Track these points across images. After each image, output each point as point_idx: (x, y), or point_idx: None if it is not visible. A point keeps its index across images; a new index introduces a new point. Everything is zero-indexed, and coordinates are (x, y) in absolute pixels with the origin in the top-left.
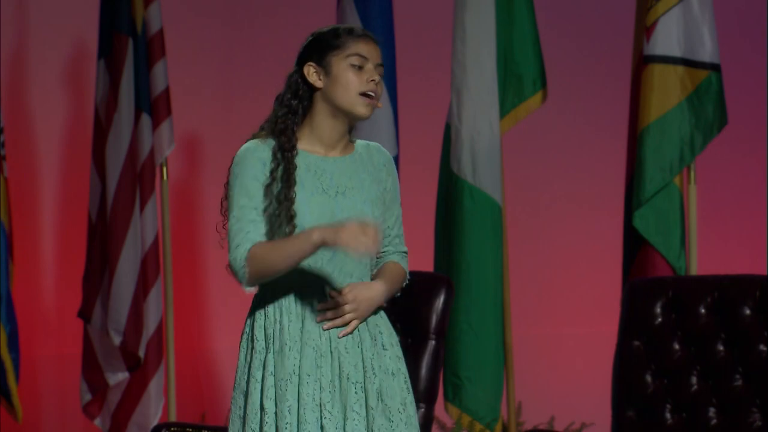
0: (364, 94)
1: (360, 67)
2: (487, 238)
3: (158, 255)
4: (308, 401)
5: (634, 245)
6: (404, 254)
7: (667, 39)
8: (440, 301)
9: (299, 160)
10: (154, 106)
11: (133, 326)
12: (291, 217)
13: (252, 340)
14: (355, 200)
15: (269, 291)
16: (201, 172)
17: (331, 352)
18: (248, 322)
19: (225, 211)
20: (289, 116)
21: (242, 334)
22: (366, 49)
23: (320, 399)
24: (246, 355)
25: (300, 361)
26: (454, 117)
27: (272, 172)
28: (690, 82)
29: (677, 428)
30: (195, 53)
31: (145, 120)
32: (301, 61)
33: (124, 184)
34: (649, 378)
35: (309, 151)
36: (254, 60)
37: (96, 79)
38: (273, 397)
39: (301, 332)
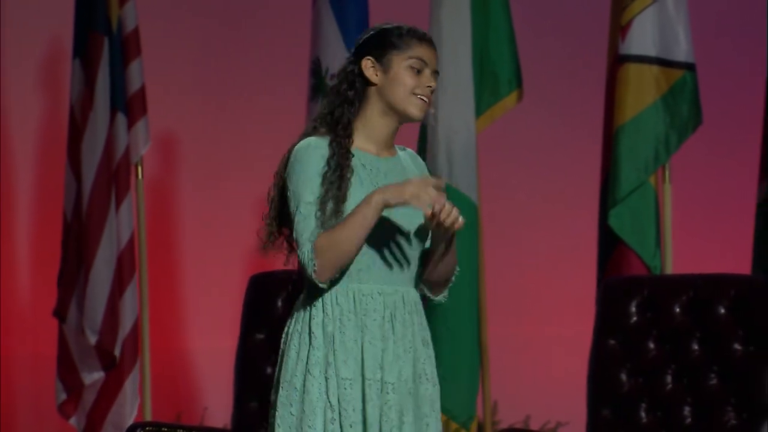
0: (418, 96)
1: (419, 71)
2: (463, 238)
3: (134, 254)
4: (372, 403)
5: (610, 244)
6: None
7: (642, 38)
8: None
9: (355, 158)
10: (129, 105)
11: (108, 325)
12: (339, 213)
13: (309, 337)
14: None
15: (325, 288)
16: (176, 171)
17: (393, 353)
18: (300, 318)
19: (272, 204)
20: (345, 106)
21: (290, 332)
22: (427, 54)
23: (381, 402)
24: (298, 351)
25: (363, 362)
26: (430, 116)
27: (328, 164)
28: (665, 81)
29: (652, 427)
30: (170, 52)
31: (121, 119)
32: (359, 54)
33: (100, 183)
34: (624, 377)
35: (363, 149)
36: (230, 59)
37: (71, 78)
38: (336, 395)
39: (362, 332)
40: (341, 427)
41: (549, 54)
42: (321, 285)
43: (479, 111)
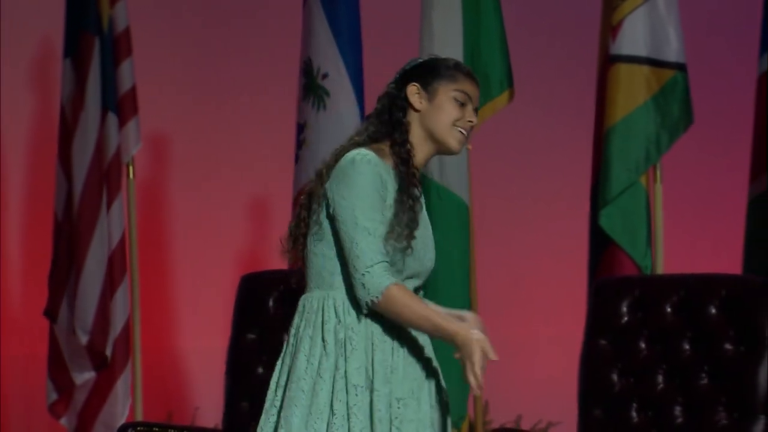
0: (459, 129)
1: (462, 104)
2: (454, 237)
3: (125, 254)
4: (379, 414)
5: (600, 244)
6: None
7: (632, 38)
8: None
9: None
10: (120, 105)
11: (99, 325)
12: (410, 242)
13: (322, 342)
14: (429, 229)
15: (338, 294)
16: (168, 171)
17: (403, 366)
18: (311, 322)
19: (305, 209)
20: (400, 128)
21: (299, 335)
22: (472, 90)
23: (390, 414)
24: (308, 356)
25: (373, 373)
26: None
27: (401, 188)
28: (655, 81)
29: (643, 427)
30: (161, 52)
31: (112, 119)
32: (405, 79)
33: (91, 183)
34: (615, 377)
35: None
36: (221, 59)
37: (62, 78)
38: (344, 400)
39: (372, 343)
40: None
41: (540, 54)
42: (365, 309)
43: None
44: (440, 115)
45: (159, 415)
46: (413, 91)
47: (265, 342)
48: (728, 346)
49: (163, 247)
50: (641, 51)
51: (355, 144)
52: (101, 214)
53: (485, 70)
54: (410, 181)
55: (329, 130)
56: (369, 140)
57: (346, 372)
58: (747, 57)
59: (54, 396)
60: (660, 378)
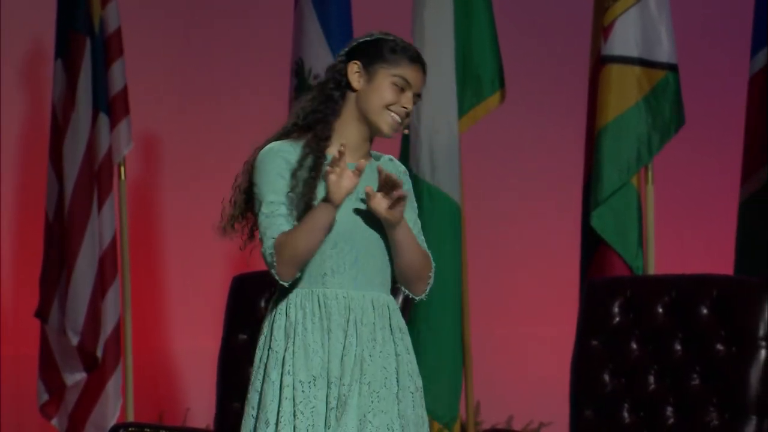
0: (392, 114)
1: (401, 89)
2: (446, 238)
3: (116, 255)
4: (330, 405)
5: (592, 245)
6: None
7: (624, 39)
8: None
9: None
10: (111, 106)
11: (90, 326)
12: (309, 207)
13: (270, 340)
14: (369, 208)
15: (290, 292)
16: (159, 172)
17: (355, 356)
18: (267, 323)
19: (230, 206)
20: (328, 104)
21: (260, 335)
22: (414, 76)
23: (337, 402)
24: (262, 355)
25: (327, 363)
26: (413, 117)
27: (300, 164)
28: (647, 82)
29: (635, 427)
30: (153, 52)
31: (103, 119)
32: (350, 56)
33: (82, 183)
34: (607, 377)
35: (333, 153)
36: (212, 59)
37: (53, 79)
38: (291, 398)
39: (329, 336)
40: (294, 429)
41: (531, 55)
42: (282, 283)
43: (462, 111)
44: (375, 97)
45: (150, 415)
46: (353, 70)
47: (256, 343)
48: (719, 347)
49: (154, 247)
50: (633, 51)
51: (277, 134)
52: (92, 215)
53: (477, 70)
54: (316, 156)
55: None
56: (298, 121)
57: (294, 369)
58: (738, 58)
59: (45, 397)
60: (651, 378)
